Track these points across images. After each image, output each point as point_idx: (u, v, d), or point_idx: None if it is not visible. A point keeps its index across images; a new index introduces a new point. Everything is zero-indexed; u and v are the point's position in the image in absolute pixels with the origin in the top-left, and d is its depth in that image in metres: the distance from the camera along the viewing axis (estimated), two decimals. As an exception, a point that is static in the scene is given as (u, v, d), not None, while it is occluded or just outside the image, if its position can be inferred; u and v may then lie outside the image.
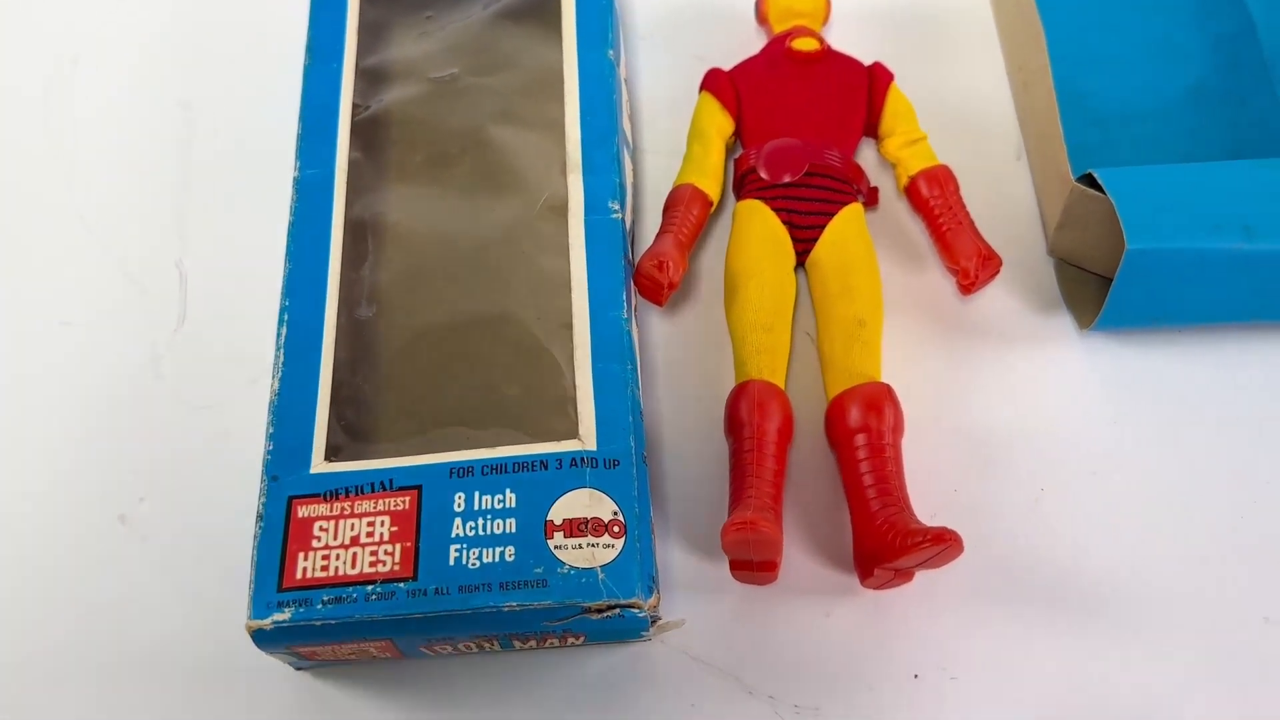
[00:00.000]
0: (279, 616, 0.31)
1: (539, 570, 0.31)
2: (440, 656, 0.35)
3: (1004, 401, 0.40)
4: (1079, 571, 0.37)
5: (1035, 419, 0.40)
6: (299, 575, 0.32)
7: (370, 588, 0.31)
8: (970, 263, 0.40)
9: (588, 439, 0.34)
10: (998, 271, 0.40)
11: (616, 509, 0.33)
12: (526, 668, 0.36)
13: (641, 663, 0.36)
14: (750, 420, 0.36)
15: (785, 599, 0.37)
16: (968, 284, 0.40)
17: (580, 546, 0.32)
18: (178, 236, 0.44)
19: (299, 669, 0.36)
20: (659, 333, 0.41)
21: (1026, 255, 0.43)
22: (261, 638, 0.32)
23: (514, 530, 0.32)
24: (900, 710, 0.35)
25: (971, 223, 0.41)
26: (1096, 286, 0.42)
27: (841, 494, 0.38)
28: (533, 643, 0.34)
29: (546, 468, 0.33)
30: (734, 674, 0.36)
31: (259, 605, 0.31)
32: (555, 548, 0.32)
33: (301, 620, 0.31)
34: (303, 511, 0.33)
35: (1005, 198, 0.44)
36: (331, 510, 0.33)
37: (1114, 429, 0.39)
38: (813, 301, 0.40)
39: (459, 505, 0.33)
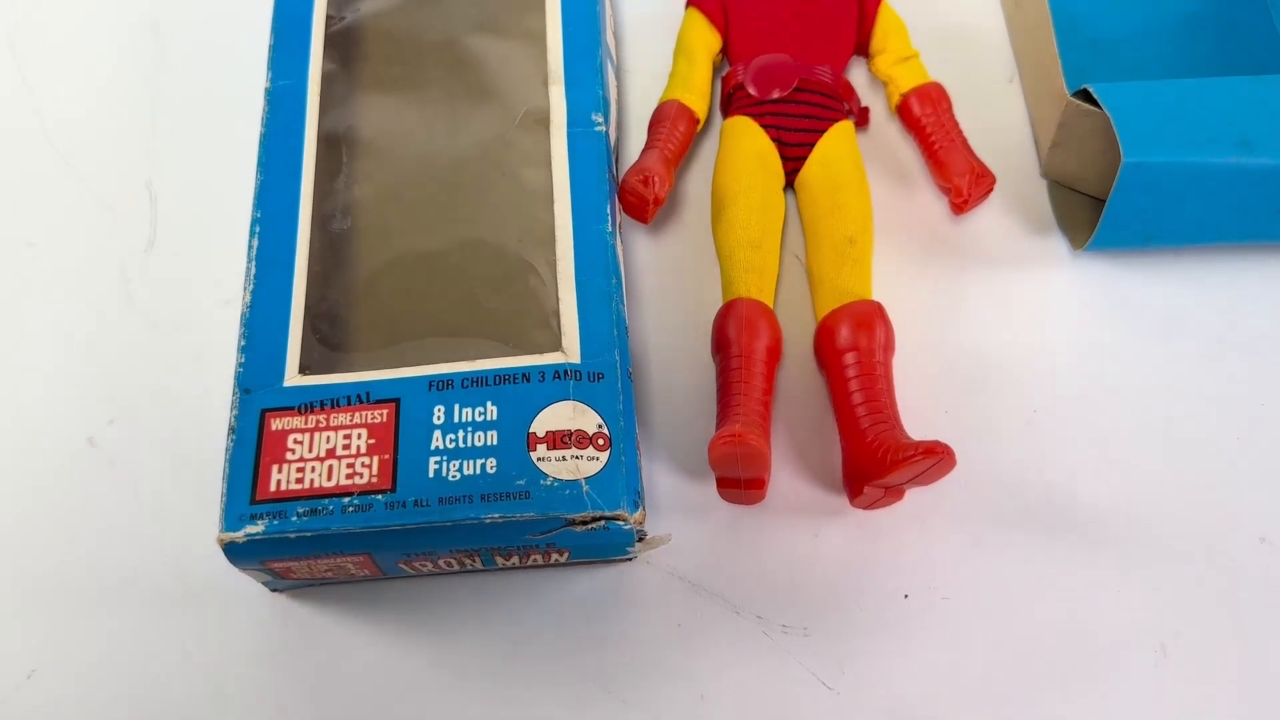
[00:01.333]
0: (252, 529, 0.30)
1: (521, 482, 0.31)
2: (420, 575, 0.34)
3: (996, 323, 0.39)
4: (1072, 493, 0.36)
5: (1027, 341, 0.39)
6: (273, 488, 0.31)
7: (347, 500, 0.30)
8: (963, 180, 0.39)
9: (571, 352, 0.33)
10: (991, 189, 0.39)
11: (601, 422, 0.32)
12: (509, 588, 0.35)
13: (627, 582, 0.35)
14: (738, 339, 0.36)
15: (773, 519, 0.36)
16: (960, 202, 0.39)
17: (564, 459, 0.31)
18: (146, 155, 0.43)
19: (274, 590, 0.35)
20: (644, 255, 0.40)
21: (1019, 177, 0.42)
22: (234, 551, 0.31)
23: (495, 443, 0.31)
24: (890, 630, 0.34)
25: (964, 140, 0.40)
26: (1090, 208, 0.41)
27: (830, 416, 0.37)
28: (515, 559, 0.33)
29: (529, 380, 0.32)
30: (721, 594, 0.35)
31: (231, 517, 0.30)
32: (538, 460, 0.31)
33: (276, 533, 0.30)
34: (276, 424, 0.32)
35: (997, 120, 0.43)
36: (306, 423, 0.32)
37: (1107, 351, 0.39)
38: (802, 221, 0.40)
39: (438, 418, 0.32)
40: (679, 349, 0.39)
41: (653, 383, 0.38)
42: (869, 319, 0.36)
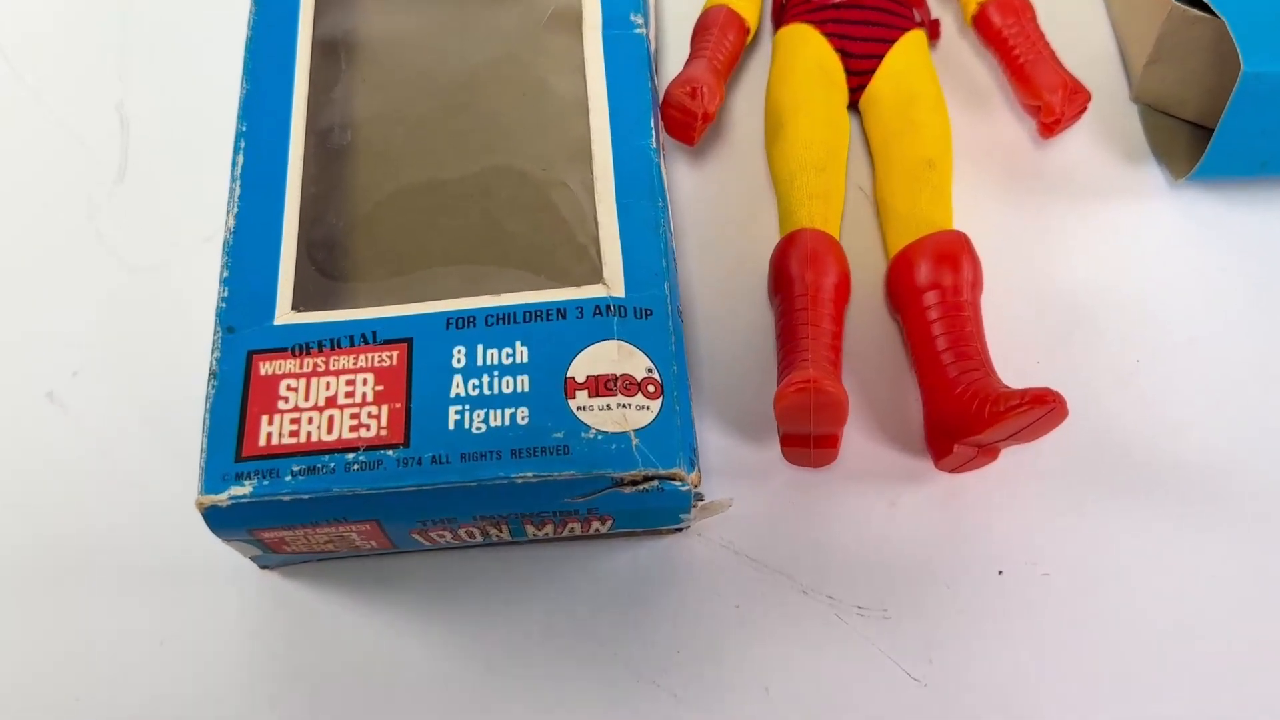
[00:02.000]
0: (238, 490, 0.25)
1: (559, 435, 0.26)
2: (436, 548, 0.29)
3: (1089, 262, 0.34)
4: (1182, 449, 0.32)
5: (1125, 281, 0.34)
6: (262, 442, 0.26)
7: (352, 456, 0.26)
8: (1055, 96, 0.34)
9: (614, 284, 0.28)
10: (1086, 106, 0.34)
11: (651, 365, 0.27)
12: (540, 564, 0.30)
13: (677, 557, 0.30)
14: (802, 275, 0.31)
15: (844, 486, 0.31)
16: (1051, 122, 0.34)
17: (608, 408, 0.26)
18: (118, 77, 0.38)
19: (264, 567, 0.30)
20: (685, 185, 0.35)
21: (1105, 102, 0.37)
22: (216, 518, 0.26)
23: (527, 389, 0.26)
24: (982, 612, 0.29)
25: (1052, 52, 0.35)
26: (1189, 134, 0.37)
27: (905, 366, 0.32)
28: (549, 528, 0.28)
29: (565, 317, 0.27)
30: (786, 572, 0.30)
31: (212, 477, 0.25)
32: (578, 409, 0.26)
33: (267, 494, 0.25)
34: (266, 368, 0.27)
35: (1076, 39, 0.38)
36: (301, 367, 0.27)
37: (1217, 292, 0.34)
38: (869, 144, 0.35)
39: (458, 360, 0.27)
40: (728, 292, 0.34)
41: (698, 330, 0.33)
42: (954, 251, 0.31)
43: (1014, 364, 0.32)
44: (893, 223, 0.33)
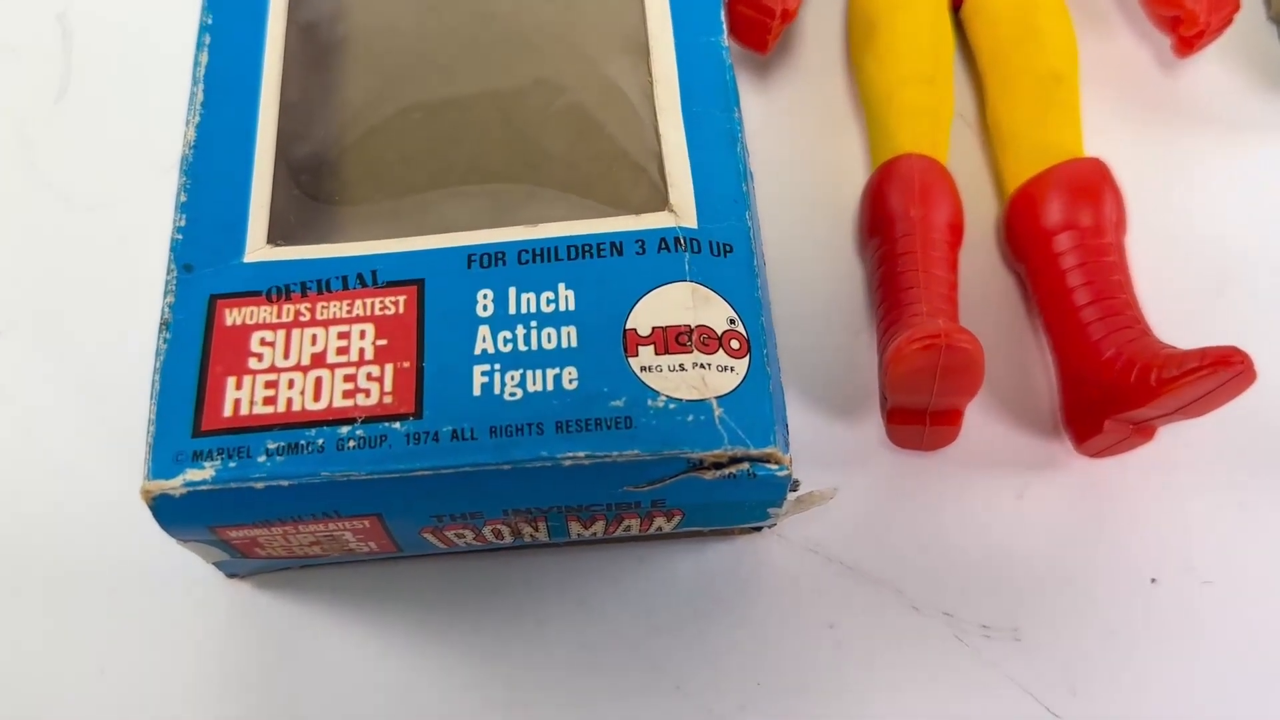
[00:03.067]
0: (196, 474, 0.19)
1: (618, 403, 0.19)
2: (453, 552, 0.23)
3: (1237, 204, 0.29)
4: (1371, 433, 0.25)
5: (1277, 230, 0.28)
6: (228, 412, 0.20)
7: (347, 429, 0.19)
8: (1198, 4, 0.28)
9: (684, 213, 0.21)
10: (1232, 17, 0.29)
11: (734, 315, 0.20)
12: (584, 572, 0.24)
13: (754, 564, 0.24)
14: (906, 212, 0.25)
15: (959, 475, 0.25)
16: (1192, 36, 0.28)
17: (682, 368, 0.20)
18: (59, -20, 0.31)
19: (232, 575, 0.23)
20: (749, 108, 0.29)
21: (1239, 23, 0.31)
22: (168, 511, 0.19)
23: (575, 344, 0.20)
24: (1135, 628, 0.24)
25: (1192, -47, 0.29)
26: (1347, 57, 0.30)
27: (1031, 327, 0.26)
28: (599, 525, 0.22)
29: (621, 252, 0.21)
30: (889, 581, 0.24)
31: (162, 458, 0.19)
32: (642, 370, 0.20)
33: (234, 480, 0.19)
34: (233, 317, 0.21)
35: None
36: (280, 316, 0.21)
37: (1394, 241, 0.28)
38: (977, 58, 0.29)
39: (485, 308, 0.20)
40: (804, 237, 0.28)
41: (769, 284, 0.27)
42: (1094, 183, 0.25)
43: (1156, 322, 0.26)
44: (1012, 150, 0.27)
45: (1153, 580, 0.24)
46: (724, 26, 0.24)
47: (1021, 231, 0.26)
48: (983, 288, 0.27)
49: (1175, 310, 0.27)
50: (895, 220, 0.25)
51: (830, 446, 0.25)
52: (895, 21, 0.27)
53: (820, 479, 0.25)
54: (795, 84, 0.30)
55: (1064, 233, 0.25)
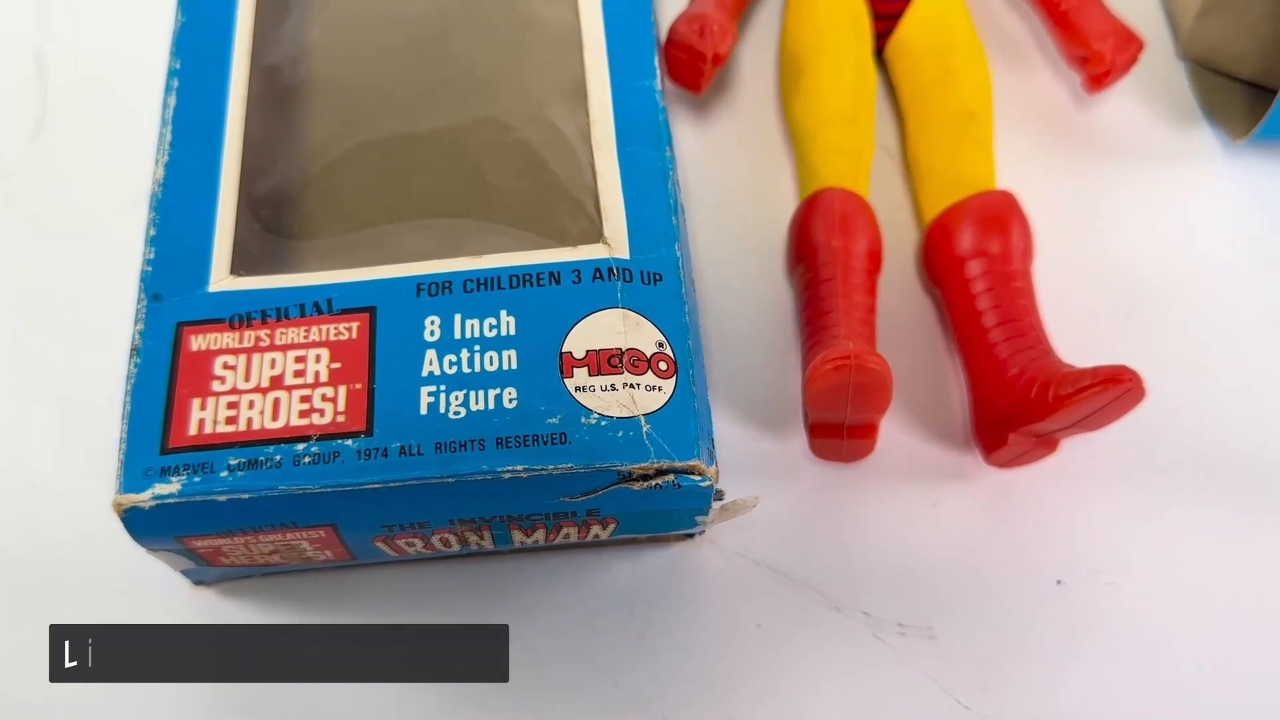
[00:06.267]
0: (163, 489, 0.21)
1: (554, 421, 0.21)
2: (404, 560, 0.25)
3: (1143, 232, 0.31)
4: (1260, 445, 0.27)
5: (1184, 256, 0.30)
6: (193, 430, 0.21)
7: (303, 446, 0.21)
8: (1105, 44, 0.30)
9: (617, 244, 0.23)
10: (1137, 57, 0.31)
11: (662, 339, 0.22)
12: (527, 577, 0.25)
13: (687, 569, 0.26)
14: (828, 241, 0.27)
15: (879, 484, 0.27)
16: (1100, 74, 0.30)
17: (613, 388, 0.22)
18: (35, 20, 0.33)
19: (198, 582, 0.25)
20: (686, 142, 0.31)
21: (1148, 59, 0.33)
22: (138, 523, 0.21)
23: (515, 366, 0.22)
24: (1041, 627, 0.25)
25: (1100, -2, 0.31)
26: (1245, 93, 0.33)
27: (945, 347, 0.28)
28: (540, 534, 0.23)
29: (559, 281, 0.23)
30: (813, 584, 0.26)
31: (133, 473, 0.21)
32: (576, 390, 0.22)
33: (198, 494, 0.21)
34: (198, 343, 0.22)
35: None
36: (241, 341, 0.22)
37: (1286, 267, 0.30)
38: (898, 97, 0.31)
39: (432, 333, 0.22)
40: (736, 264, 0.30)
41: (703, 308, 0.29)
42: (1002, 214, 0.27)
43: (1064, 348, 0.28)
44: (929, 183, 0.29)
45: (1059, 582, 0.26)
46: (658, 71, 0.26)
47: (936, 259, 0.28)
48: (903, 310, 0.29)
49: (1086, 331, 0.29)
50: (818, 249, 0.27)
51: (759, 459, 0.27)
52: (820, 65, 0.29)
53: (750, 489, 0.27)
54: (731, 120, 0.32)
55: (974, 260, 0.27)
